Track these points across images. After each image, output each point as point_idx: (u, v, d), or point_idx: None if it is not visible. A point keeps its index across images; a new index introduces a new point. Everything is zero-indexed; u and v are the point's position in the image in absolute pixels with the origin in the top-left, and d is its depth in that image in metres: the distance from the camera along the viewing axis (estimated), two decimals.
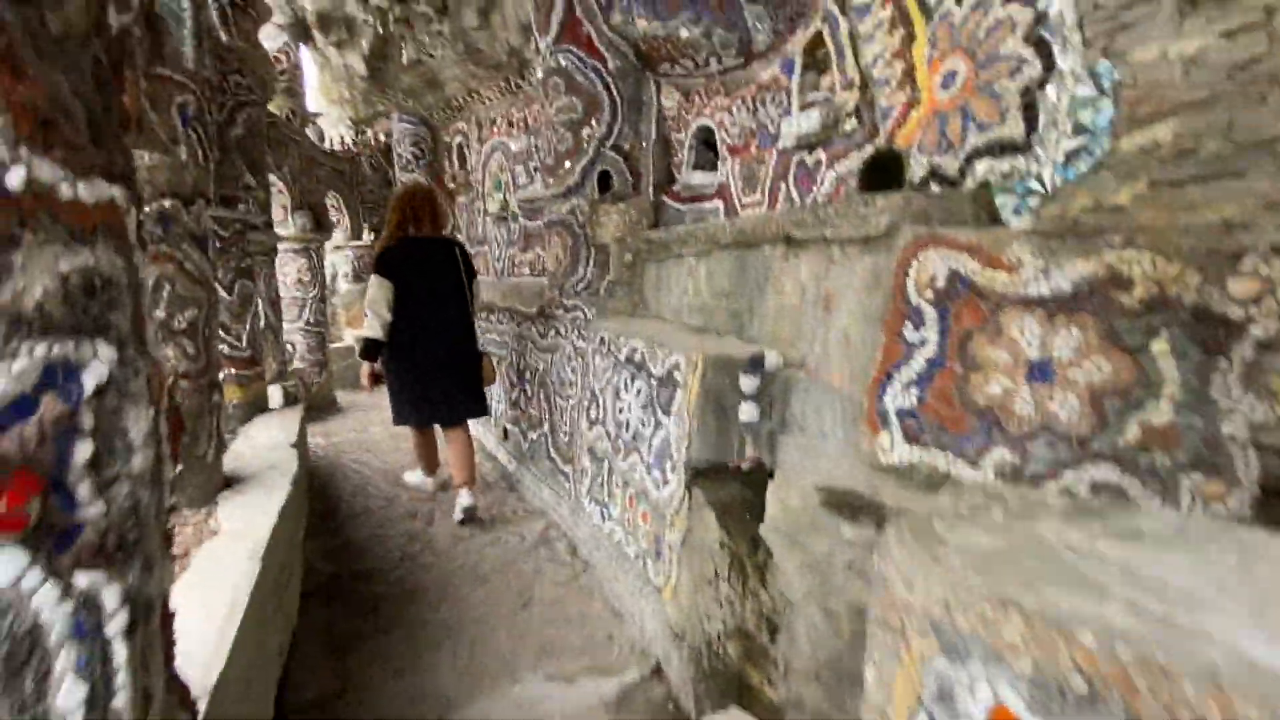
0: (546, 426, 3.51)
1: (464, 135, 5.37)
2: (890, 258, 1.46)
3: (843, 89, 2.04)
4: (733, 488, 1.82)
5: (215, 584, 1.23)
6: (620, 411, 2.55)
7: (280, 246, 5.21)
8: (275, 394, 3.84)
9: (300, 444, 2.41)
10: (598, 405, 2.78)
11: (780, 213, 1.92)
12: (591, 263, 3.13)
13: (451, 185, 5.70)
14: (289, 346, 5.44)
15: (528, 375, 3.78)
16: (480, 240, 5.37)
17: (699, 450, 1.93)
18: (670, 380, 2.11)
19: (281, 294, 5.43)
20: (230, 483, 1.88)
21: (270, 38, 4.89)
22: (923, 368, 1.38)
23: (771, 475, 1.89)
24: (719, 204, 2.84)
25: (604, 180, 3.11)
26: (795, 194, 2.30)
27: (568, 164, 3.06)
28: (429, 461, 3.60)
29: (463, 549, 3.04)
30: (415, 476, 3.69)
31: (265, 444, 2.26)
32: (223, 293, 2.55)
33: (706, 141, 2.97)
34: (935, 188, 1.66)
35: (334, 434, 4.98)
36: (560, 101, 3.03)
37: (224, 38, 3.60)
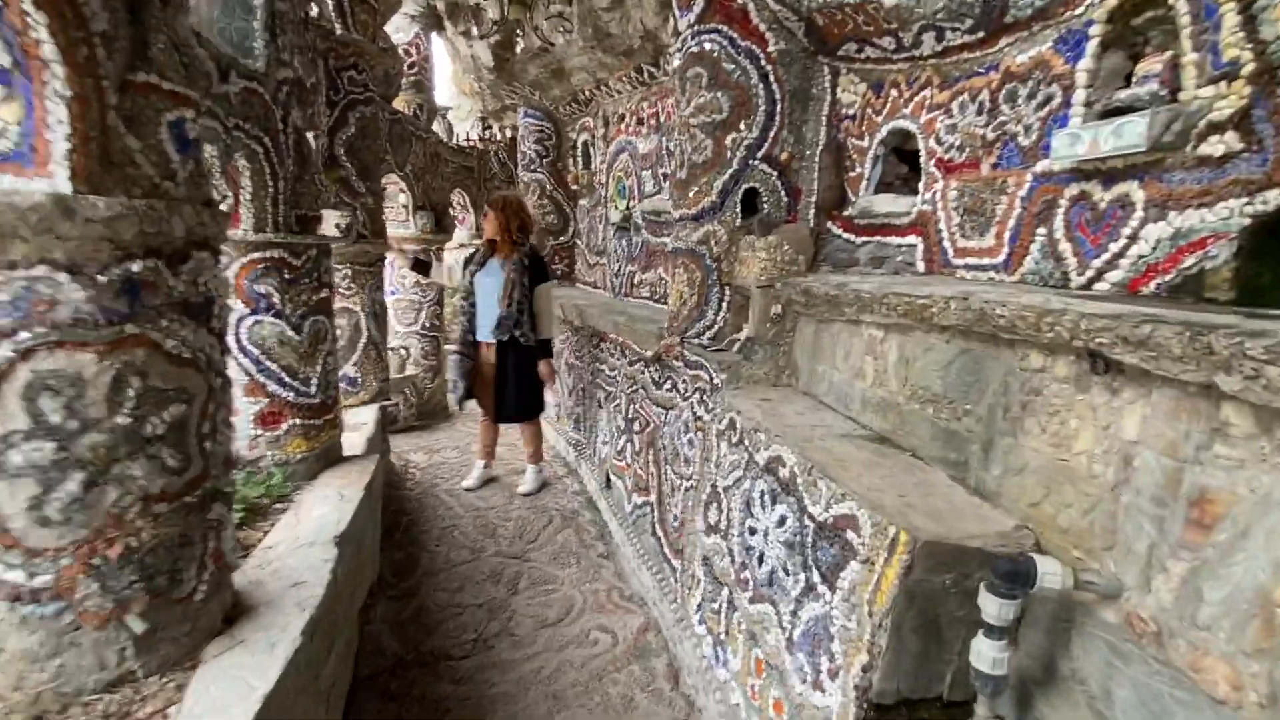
0: (654, 496, 2.88)
1: (590, 132, 4.83)
2: None
3: (1201, 82, 1.15)
4: None
5: None
6: (751, 533, 1.85)
7: (401, 248, 5.02)
8: (371, 414, 3.58)
9: (355, 525, 1.97)
10: (719, 508, 2.09)
11: (1077, 308, 1.08)
12: (725, 307, 2.42)
13: (575, 187, 5.20)
14: (402, 351, 5.28)
15: (636, 426, 3.17)
16: (599, 250, 4.82)
17: (886, 678, 1.19)
18: (839, 537, 1.36)
19: (399, 296, 5.28)
20: (235, 613, 1.43)
21: (400, 29, 4.65)
22: None
23: None
24: (915, 241, 2.00)
25: (749, 198, 2.37)
26: (1067, 248, 1.43)
27: (704, 180, 2.36)
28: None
29: (544, 641, 2.56)
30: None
31: (307, 533, 1.83)
32: (290, 332, 2.17)
33: (901, 152, 2.12)
34: None
35: (436, 449, 4.73)
36: (700, 99, 2.32)
37: (339, 30, 3.30)
